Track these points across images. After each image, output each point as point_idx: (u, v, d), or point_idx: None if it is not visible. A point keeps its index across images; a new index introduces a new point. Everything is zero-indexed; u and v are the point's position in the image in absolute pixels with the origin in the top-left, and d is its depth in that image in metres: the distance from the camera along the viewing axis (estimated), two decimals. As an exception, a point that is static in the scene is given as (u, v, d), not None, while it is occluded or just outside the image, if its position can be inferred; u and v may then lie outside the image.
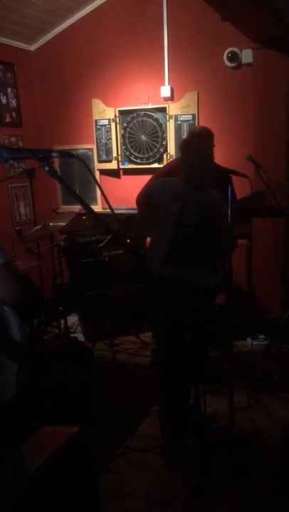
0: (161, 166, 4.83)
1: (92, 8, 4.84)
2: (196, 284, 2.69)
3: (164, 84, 4.72)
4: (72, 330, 4.68)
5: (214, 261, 2.79)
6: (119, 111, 4.93)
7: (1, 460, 1.58)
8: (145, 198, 3.11)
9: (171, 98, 4.73)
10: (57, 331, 4.33)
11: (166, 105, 4.71)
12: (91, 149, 5.19)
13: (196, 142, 2.84)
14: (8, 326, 1.57)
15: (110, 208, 1.76)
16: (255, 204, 3.26)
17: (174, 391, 2.79)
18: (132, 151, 4.95)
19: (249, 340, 4.24)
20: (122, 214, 4.88)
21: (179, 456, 2.78)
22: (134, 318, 4.39)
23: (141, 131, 4.87)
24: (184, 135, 4.65)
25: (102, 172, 5.20)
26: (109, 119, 4.97)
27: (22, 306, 1.57)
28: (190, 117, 4.64)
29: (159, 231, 2.91)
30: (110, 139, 5.01)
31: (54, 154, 1.43)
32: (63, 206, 5.46)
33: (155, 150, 4.85)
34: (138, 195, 3.42)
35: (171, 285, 2.65)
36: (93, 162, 5.17)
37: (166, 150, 4.78)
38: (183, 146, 2.84)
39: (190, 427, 2.96)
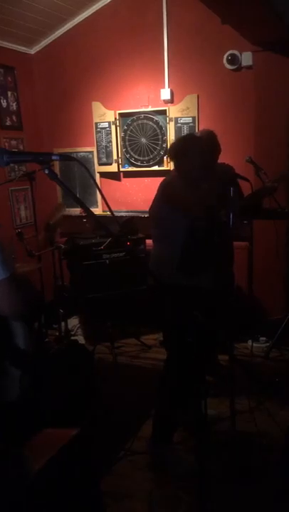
0: (161, 168, 4.85)
1: (92, 12, 4.86)
2: None
3: (164, 87, 4.73)
4: (72, 332, 4.69)
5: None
6: (119, 114, 4.94)
7: (2, 461, 1.59)
8: None
9: (171, 101, 4.74)
10: (58, 333, 4.34)
11: (167, 108, 4.72)
12: (91, 152, 5.20)
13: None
14: (13, 334, 1.58)
15: (110, 210, 1.77)
16: (264, 196, 3.30)
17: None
18: (132, 153, 4.96)
19: (250, 342, 4.24)
20: (122, 216, 4.90)
21: (169, 462, 2.80)
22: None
23: (141, 133, 4.88)
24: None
25: (103, 175, 5.21)
26: (109, 122, 4.98)
27: (25, 315, 1.58)
28: (190, 120, 4.65)
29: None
30: (110, 141, 5.02)
31: (54, 157, 1.43)
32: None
33: (155, 153, 4.86)
34: None
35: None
36: (93, 165, 5.17)
37: (166, 153, 4.79)
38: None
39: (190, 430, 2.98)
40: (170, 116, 4.71)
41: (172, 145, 2.88)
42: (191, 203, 2.65)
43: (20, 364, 1.56)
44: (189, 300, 2.50)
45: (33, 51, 5.27)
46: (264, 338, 4.26)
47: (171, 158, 2.78)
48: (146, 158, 4.91)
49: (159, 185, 2.85)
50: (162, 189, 2.79)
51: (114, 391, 3.62)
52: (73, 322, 4.89)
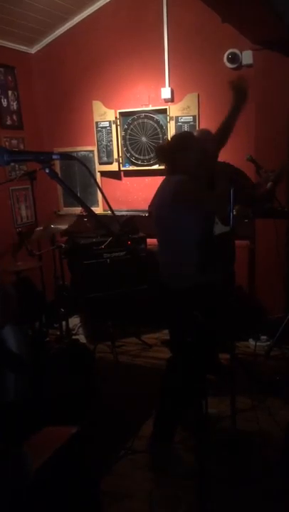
0: (162, 167, 4.84)
1: (92, 11, 4.85)
2: None
3: (164, 86, 4.72)
4: (73, 332, 4.69)
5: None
6: (119, 113, 4.94)
7: (2, 461, 1.58)
8: None
9: (172, 100, 4.73)
10: (58, 333, 4.34)
11: (167, 107, 4.71)
12: (92, 151, 5.20)
13: None
14: (4, 339, 1.57)
15: (111, 209, 1.77)
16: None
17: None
18: (132, 152, 4.95)
19: (251, 341, 4.24)
20: (122, 216, 4.89)
21: (169, 462, 2.80)
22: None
23: (142, 132, 4.88)
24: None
25: (103, 174, 5.21)
26: (109, 121, 4.98)
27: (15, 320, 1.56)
28: (190, 119, 4.64)
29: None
30: (111, 140, 5.02)
31: (55, 156, 1.43)
32: (64, 208, 5.47)
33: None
34: None
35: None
36: (94, 164, 5.17)
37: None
38: None
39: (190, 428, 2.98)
40: (170, 115, 4.70)
41: (168, 144, 2.83)
42: (205, 199, 2.63)
43: (13, 367, 1.56)
44: (201, 299, 2.50)
45: (33, 50, 5.27)
46: (265, 337, 4.25)
47: (172, 154, 2.73)
48: (147, 157, 4.91)
49: (160, 187, 2.81)
50: (174, 188, 2.65)
51: (114, 391, 3.62)
52: (74, 321, 4.89)
